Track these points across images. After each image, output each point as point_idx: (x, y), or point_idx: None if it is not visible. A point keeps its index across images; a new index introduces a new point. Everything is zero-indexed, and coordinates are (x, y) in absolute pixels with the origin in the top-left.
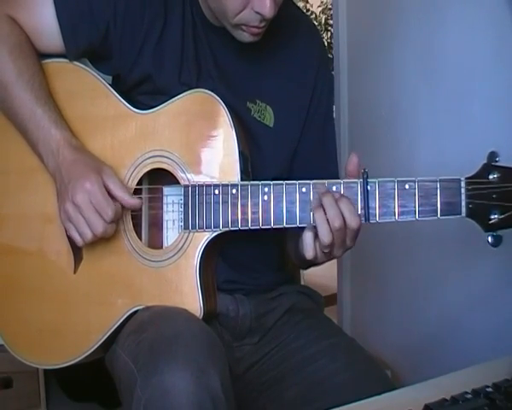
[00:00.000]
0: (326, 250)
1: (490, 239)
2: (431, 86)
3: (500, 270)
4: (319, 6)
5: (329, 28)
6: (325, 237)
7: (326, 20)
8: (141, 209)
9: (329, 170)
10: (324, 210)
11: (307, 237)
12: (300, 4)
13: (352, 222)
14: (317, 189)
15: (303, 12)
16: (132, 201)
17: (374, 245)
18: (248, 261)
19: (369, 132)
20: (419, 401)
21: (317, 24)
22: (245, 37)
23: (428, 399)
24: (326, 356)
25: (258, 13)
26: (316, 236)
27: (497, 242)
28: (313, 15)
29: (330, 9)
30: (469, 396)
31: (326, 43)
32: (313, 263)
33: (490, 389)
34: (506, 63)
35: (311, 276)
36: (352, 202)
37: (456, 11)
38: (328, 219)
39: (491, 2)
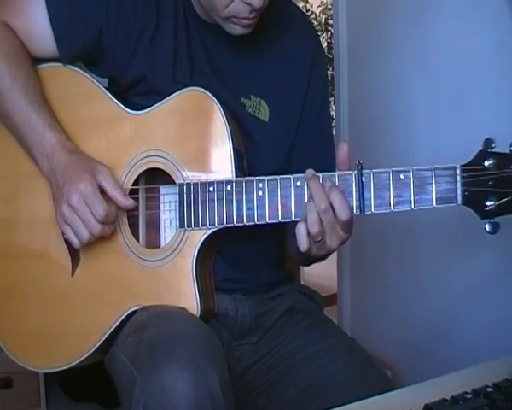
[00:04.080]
0: (317, 239)
1: (487, 227)
2: (430, 86)
3: (499, 259)
4: (319, 6)
5: (329, 28)
6: (313, 226)
7: (326, 20)
8: (137, 209)
9: (327, 163)
10: (313, 198)
11: (300, 228)
12: (300, 4)
13: (342, 214)
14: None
15: (298, 7)
16: (125, 201)
17: (373, 245)
18: (247, 260)
19: (368, 131)
20: (419, 401)
21: (316, 24)
22: (236, 29)
23: (428, 399)
24: (326, 356)
25: (247, 3)
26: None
27: (495, 229)
28: (313, 15)
29: (330, 9)
30: (469, 396)
31: (326, 44)
32: (314, 259)
33: (490, 389)
34: (502, 56)
35: (311, 276)
36: (341, 192)
37: (454, 10)
38: (316, 207)
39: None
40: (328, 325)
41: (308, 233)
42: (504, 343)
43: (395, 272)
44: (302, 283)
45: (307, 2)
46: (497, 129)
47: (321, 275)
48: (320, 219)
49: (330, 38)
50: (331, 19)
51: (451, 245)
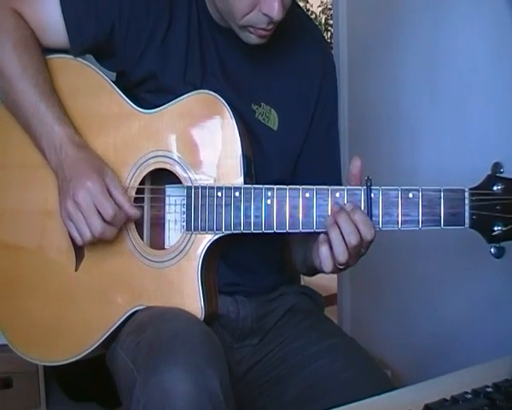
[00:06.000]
0: (342, 267)
1: (493, 250)
2: (432, 87)
3: (502, 277)
4: (319, 6)
5: (329, 28)
6: (341, 255)
7: (326, 20)
8: (142, 209)
9: (332, 175)
10: (340, 228)
11: (323, 251)
12: (300, 4)
13: (368, 235)
14: (331, 199)
15: (312, 20)
16: (131, 211)
17: (374, 245)
18: (249, 263)
19: (369, 133)
20: (419, 401)
21: (317, 24)
22: (252, 39)
23: (428, 399)
24: (326, 356)
25: (266, 15)
26: (331, 248)
27: (500, 253)
28: (313, 15)
29: (330, 9)
30: (469, 396)
31: None
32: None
33: (490, 389)
34: (510, 68)
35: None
36: (365, 214)
37: (457, 12)
38: (344, 238)
39: (497, 2)
40: (328, 325)
41: (332, 256)
42: (504, 345)
43: (395, 272)
44: (302, 283)
45: (307, 2)
46: (501, 130)
47: (321, 275)
48: (348, 249)
49: (330, 38)
50: (331, 19)
51: (451, 247)
